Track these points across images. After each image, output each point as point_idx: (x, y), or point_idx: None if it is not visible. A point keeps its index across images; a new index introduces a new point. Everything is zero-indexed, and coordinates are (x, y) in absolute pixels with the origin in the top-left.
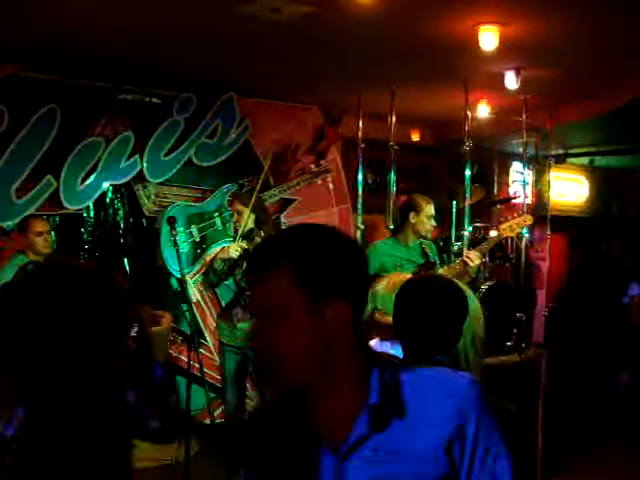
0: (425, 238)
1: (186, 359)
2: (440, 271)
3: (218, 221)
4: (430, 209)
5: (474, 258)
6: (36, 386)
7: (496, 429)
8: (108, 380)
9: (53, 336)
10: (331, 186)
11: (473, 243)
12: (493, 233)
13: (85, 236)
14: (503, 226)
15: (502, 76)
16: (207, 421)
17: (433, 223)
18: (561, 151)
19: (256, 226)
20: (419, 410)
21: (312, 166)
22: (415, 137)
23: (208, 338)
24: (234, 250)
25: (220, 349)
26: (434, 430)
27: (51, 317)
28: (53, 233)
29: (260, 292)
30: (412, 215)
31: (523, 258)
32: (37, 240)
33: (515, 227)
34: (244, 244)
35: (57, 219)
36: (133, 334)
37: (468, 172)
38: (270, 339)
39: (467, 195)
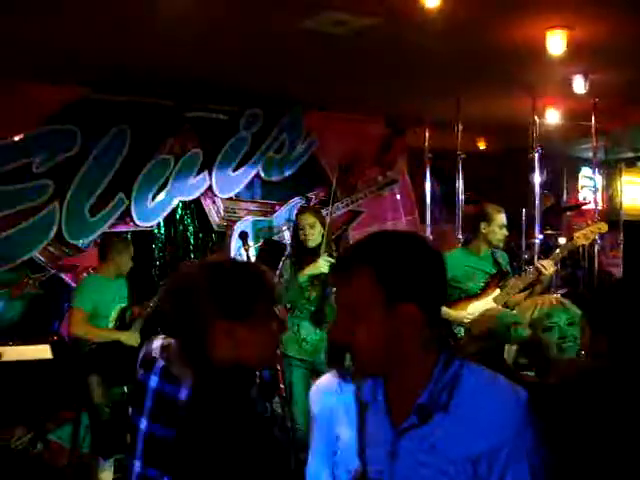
0: (497, 247)
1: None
2: (512, 280)
3: (287, 235)
4: (501, 218)
5: (548, 266)
6: None
7: (527, 458)
8: None
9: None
10: (398, 197)
11: (544, 251)
12: (562, 240)
13: (156, 252)
14: (577, 234)
15: (570, 81)
16: None
17: (505, 232)
18: (631, 154)
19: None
20: (463, 412)
21: (379, 178)
22: (481, 145)
23: None
24: (324, 263)
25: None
26: (469, 440)
27: None
28: None
29: (343, 290)
30: (483, 225)
31: (596, 265)
32: (127, 261)
33: (590, 235)
34: (330, 258)
35: (129, 236)
36: None
37: (537, 179)
38: (349, 332)
39: (537, 202)
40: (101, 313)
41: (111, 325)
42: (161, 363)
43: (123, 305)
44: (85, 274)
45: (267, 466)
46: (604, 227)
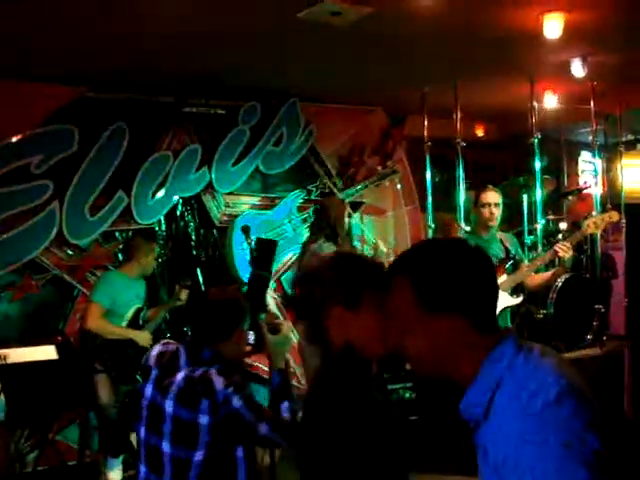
0: (489, 227)
1: (267, 368)
2: (526, 262)
3: (289, 228)
4: (485, 197)
5: (566, 249)
6: None
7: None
8: None
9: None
10: (399, 187)
11: (546, 236)
12: (563, 225)
13: (158, 249)
14: (587, 222)
15: (568, 64)
16: None
17: (493, 211)
18: (631, 137)
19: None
20: (495, 418)
21: (379, 168)
22: (480, 132)
23: None
24: None
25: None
26: (494, 448)
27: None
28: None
29: (387, 298)
30: (473, 209)
31: (598, 249)
32: (152, 262)
33: (600, 223)
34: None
35: (130, 234)
36: (251, 341)
37: (538, 164)
38: (393, 338)
39: (538, 188)
40: (117, 311)
41: (124, 324)
42: (155, 372)
43: (139, 305)
44: (108, 269)
45: (385, 446)
46: (615, 216)
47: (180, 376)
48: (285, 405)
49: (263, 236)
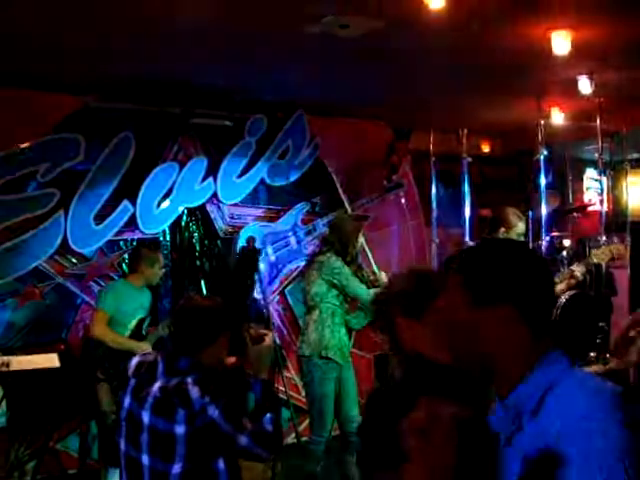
0: None
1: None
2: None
3: (293, 240)
4: (522, 227)
5: (580, 271)
6: None
7: None
8: None
9: None
10: (403, 201)
11: (550, 252)
12: (567, 242)
13: (162, 260)
14: (594, 251)
15: (575, 81)
16: (289, 440)
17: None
18: (637, 155)
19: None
20: (545, 421)
21: (384, 182)
22: (485, 148)
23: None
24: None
25: (312, 366)
26: (550, 443)
27: None
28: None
29: (408, 333)
30: (502, 230)
31: (603, 267)
32: (158, 272)
33: (603, 256)
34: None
35: (134, 243)
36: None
37: (543, 180)
38: (444, 333)
39: (543, 204)
40: (121, 320)
41: (127, 334)
42: (133, 383)
43: (143, 316)
44: (113, 279)
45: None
46: (621, 250)
47: (156, 386)
48: (267, 417)
49: (267, 248)
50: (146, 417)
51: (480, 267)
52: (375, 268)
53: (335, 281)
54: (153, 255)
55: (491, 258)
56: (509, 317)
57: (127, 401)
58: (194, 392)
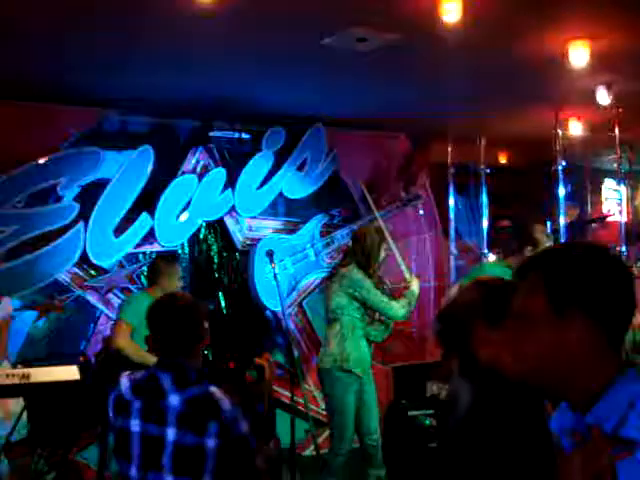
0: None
1: (288, 394)
2: None
3: (311, 253)
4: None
5: None
6: None
7: None
8: None
9: None
10: (421, 212)
11: None
12: None
13: (180, 272)
14: None
15: (593, 92)
16: (307, 453)
17: None
18: None
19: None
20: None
21: (402, 194)
22: (503, 159)
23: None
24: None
25: (333, 379)
26: None
27: None
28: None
29: (516, 298)
30: (530, 249)
31: None
32: (177, 283)
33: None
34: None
35: (153, 256)
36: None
37: (562, 191)
38: (516, 340)
39: (562, 215)
40: (141, 332)
41: (146, 347)
42: (138, 404)
43: None
44: (134, 290)
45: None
46: None
47: (176, 400)
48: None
49: (285, 260)
50: (171, 434)
51: (564, 267)
52: (407, 274)
53: (356, 294)
54: (171, 267)
55: (580, 263)
56: (591, 333)
57: (136, 425)
58: (225, 404)
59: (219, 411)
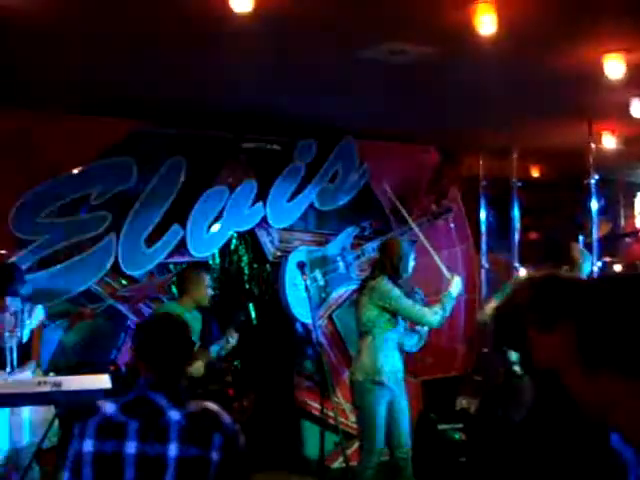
0: None
1: (317, 405)
2: None
3: (341, 265)
4: (588, 267)
5: None
6: None
7: None
8: None
9: None
10: (452, 225)
11: None
12: (618, 267)
13: (211, 283)
14: None
15: (627, 104)
16: (336, 465)
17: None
18: None
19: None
20: None
21: (433, 206)
22: (535, 173)
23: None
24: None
25: (364, 391)
26: None
27: None
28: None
29: (541, 347)
30: (566, 268)
31: None
32: (205, 292)
33: None
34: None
35: (184, 267)
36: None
37: (595, 205)
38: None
39: (594, 229)
40: None
41: None
42: (135, 425)
43: (193, 338)
44: (164, 301)
45: None
46: None
47: (176, 415)
48: None
49: (316, 272)
50: (173, 450)
51: (604, 325)
52: (447, 274)
53: (387, 305)
54: (199, 276)
55: (619, 312)
56: (622, 387)
57: (133, 447)
58: (225, 417)
59: (221, 424)
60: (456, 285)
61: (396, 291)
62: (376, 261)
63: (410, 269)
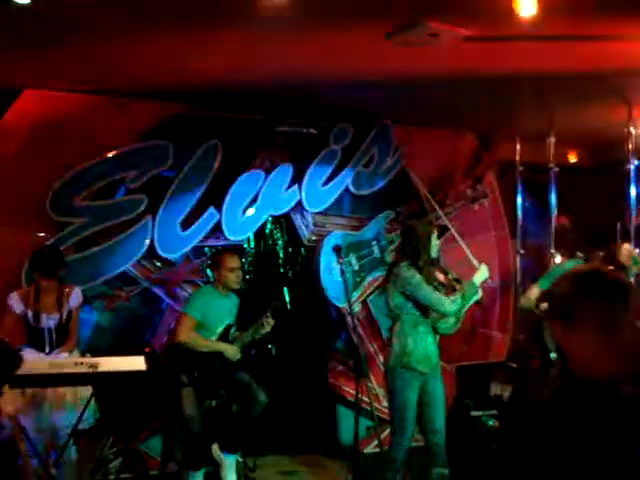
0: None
1: (352, 390)
2: None
3: (376, 249)
4: (635, 270)
5: None
6: None
7: None
8: None
9: None
10: (488, 211)
11: None
12: None
13: (246, 266)
14: None
15: None
16: (368, 450)
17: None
18: None
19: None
20: None
21: (468, 191)
22: (572, 158)
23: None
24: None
25: (395, 375)
26: None
27: None
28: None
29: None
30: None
31: None
32: (230, 276)
33: None
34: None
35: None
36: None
37: (633, 191)
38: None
39: (633, 216)
40: (208, 325)
41: (214, 339)
42: None
43: (230, 322)
44: (199, 284)
45: None
46: None
47: None
48: None
49: (351, 256)
50: None
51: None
52: (474, 261)
53: (407, 292)
54: (230, 258)
55: None
56: None
57: None
58: None
59: None
60: (482, 273)
61: (416, 278)
62: (397, 247)
63: (435, 249)
